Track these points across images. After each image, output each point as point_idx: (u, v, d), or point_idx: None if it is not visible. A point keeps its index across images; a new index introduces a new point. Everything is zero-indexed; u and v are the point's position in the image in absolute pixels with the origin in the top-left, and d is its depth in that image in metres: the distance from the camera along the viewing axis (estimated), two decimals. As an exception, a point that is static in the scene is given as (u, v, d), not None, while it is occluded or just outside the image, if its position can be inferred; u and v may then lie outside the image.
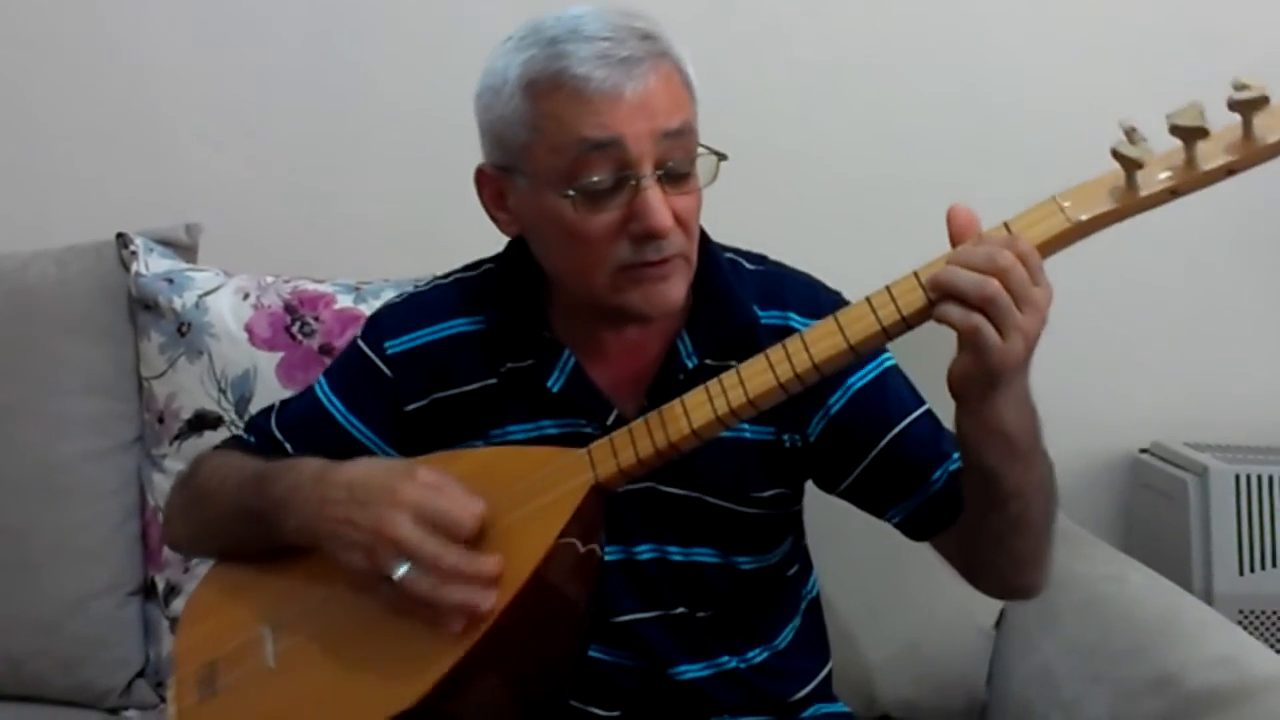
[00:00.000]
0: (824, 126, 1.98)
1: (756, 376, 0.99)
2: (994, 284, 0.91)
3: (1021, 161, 1.99)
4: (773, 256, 1.26)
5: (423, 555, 0.96)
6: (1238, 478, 1.82)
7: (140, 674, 1.63)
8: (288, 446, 1.21)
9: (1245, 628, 1.73)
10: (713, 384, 1.01)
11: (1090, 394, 2.02)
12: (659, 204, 1.04)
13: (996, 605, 1.59)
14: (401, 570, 0.96)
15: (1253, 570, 1.81)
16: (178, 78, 1.99)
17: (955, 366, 0.96)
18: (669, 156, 1.05)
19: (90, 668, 1.60)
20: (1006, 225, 0.96)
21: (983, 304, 0.91)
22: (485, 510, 0.99)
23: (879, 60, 1.98)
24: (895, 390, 1.18)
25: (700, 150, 1.08)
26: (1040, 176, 2.00)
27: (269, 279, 1.68)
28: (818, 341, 0.98)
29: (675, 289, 1.09)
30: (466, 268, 1.26)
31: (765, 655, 1.23)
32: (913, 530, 1.19)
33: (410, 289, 1.29)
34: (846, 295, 1.22)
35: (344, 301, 1.66)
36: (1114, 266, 1.91)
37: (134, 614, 1.63)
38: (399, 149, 1.99)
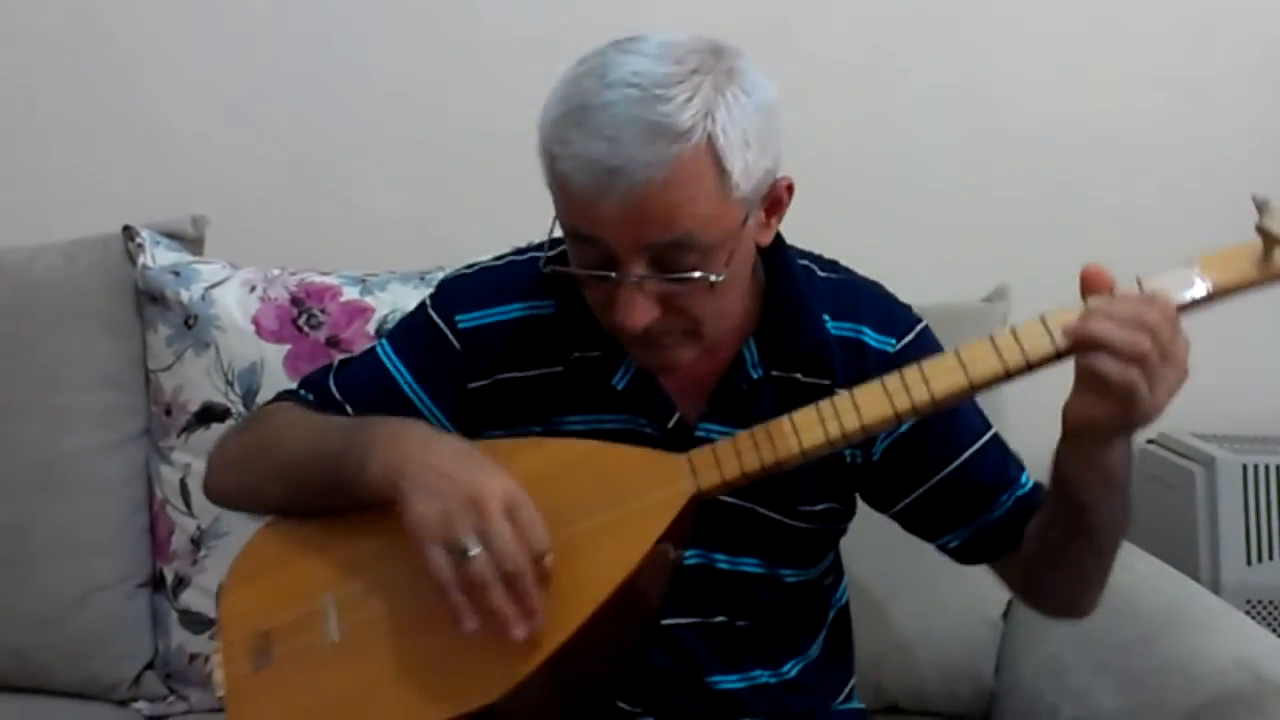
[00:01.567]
0: (827, 124, 1.97)
1: (873, 405, 0.98)
2: (1147, 340, 0.92)
3: (1023, 156, 1.99)
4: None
5: (500, 541, 0.92)
6: (1245, 468, 1.82)
7: (149, 666, 1.63)
8: (348, 409, 1.18)
9: (1253, 618, 1.73)
10: (824, 405, 0.99)
11: (1097, 385, 2.02)
12: (627, 307, 1.00)
13: (1004, 595, 1.59)
14: (474, 549, 0.92)
15: (1260, 560, 1.81)
16: (183, 71, 1.99)
17: (1079, 410, 0.96)
18: (663, 259, 0.99)
19: (98, 660, 1.61)
20: (1139, 283, 0.97)
21: (1136, 360, 0.92)
22: (550, 550, 0.95)
23: (882, 57, 1.98)
24: (965, 412, 1.17)
25: (699, 274, 0.99)
26: (1042, 171, 2.02)
27: (275, 271, 1.68)
28: (939, 377, 0.98)
29: (679, 356, 1.07)
30: (541, 245, 1.20)
31: (799, 667, 1.23)
32: (967, 555, 1.19)
33: (483, 261, 1.24)
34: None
35: (350, 294, 1.66)
36: (1119, 258, 1.90)
37: (142, 606, 1.64)
38: (404, 141, 1.99)
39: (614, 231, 0.98)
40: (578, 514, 0.99)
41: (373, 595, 1.04)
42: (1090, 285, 0.97)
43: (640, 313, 1.00)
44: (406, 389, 1.18)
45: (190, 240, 1.75)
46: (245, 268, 1.69)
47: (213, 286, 1.65)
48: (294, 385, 1.27)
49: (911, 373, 0.98)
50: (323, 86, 1.99)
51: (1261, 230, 0.96)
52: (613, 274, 1.00)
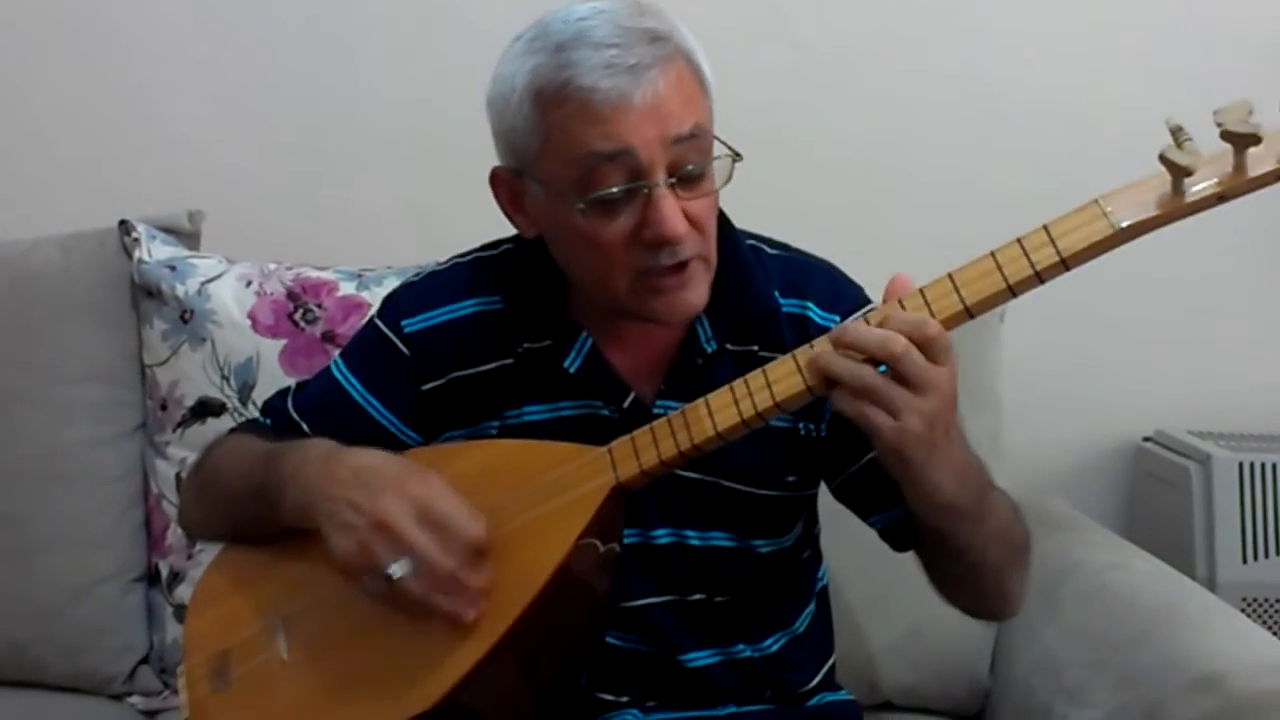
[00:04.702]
0: (825, 111, 1.97)
1: (785, 379, 0.97)
2: (868, 373, 0.91)
3: (1023, 147, 1.98)
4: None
5: (420, 553, 0.95)
6: (1241, 465, 1.82)
7: (144, 660, 1.63)
8: (305, 427, 1.20)
9: (1248, 615, 1.74)
10: (738, 384, 0.99)
11: (1093, 382, 2.02)
12: (671, 211, 1.02)
13: (999, 592, 1.59)
14: (398, 571, 0.95)
15: (1256, 558, 1.81)
16: (180, 65, 1.99)
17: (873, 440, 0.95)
18: (682, 160, 1.03)
19: (93, 654, 1.61)
20: (1046, 229, 0.93)
21: (863, 393, 0.92)
22: (484, 535, 0.98)
23: (880, 45, 1.98)
24: None
25: (718, 151, 1.07)
26: (1041, 161, 2.02)
27: (271, 266, 1.68)
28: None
29: (696, 294, 1.08)
30: (485, 247, 1.25)
31: (783, 641, 1.23)
32: (893, 540, 1.20)
33: (428, 268, 1.27)
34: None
35: (347, 288, 1.65)
36: (1116, 254, 1.90)
37: (138, 601, 1.63)
38: (401, 136, 1.99)
39: (642, 133, 1.01)
40: (506, 514, 1.00)
41: (316, 611, 1.07)
42: (889, 294, 0.97)
43: (678, 217, 1.03)
44: (360, 400, 1.20)
45: (186, 234, 1.75)
46: (241, 262, 1.69)
47: (209, 281, 1.64)
48: (279, 392, 1.29)
49: (821, 344, 0.97)
50: (319, 81, 1.99)
51: (1165, 160, 0.89)
52: (645, 183, 1.02)
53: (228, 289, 1.64)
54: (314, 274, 1.67)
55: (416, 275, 1.26)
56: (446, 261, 1.26)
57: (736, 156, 1.07)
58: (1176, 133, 0.89)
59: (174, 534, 1.63)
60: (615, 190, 1.02)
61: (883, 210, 1.97)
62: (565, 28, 1.03)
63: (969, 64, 1.98)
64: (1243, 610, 1.75)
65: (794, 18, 1.96)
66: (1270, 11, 1.95)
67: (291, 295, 1.64)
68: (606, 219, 1.03)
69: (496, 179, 1.13)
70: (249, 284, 1.65)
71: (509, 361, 1.18)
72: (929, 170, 1.98)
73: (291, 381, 1.31)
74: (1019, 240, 0.93)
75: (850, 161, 1.97)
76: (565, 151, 1.03)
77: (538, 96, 1.03)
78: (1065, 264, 0.92)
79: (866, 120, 1.98)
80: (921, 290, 0.95)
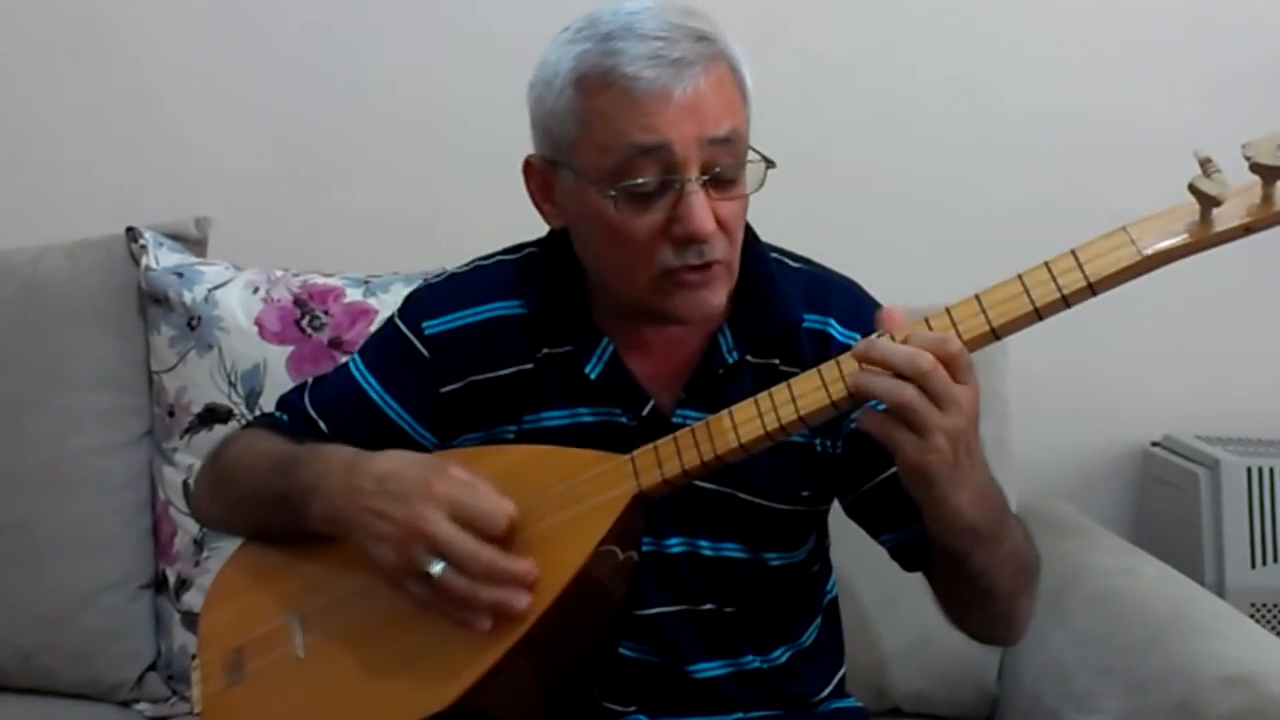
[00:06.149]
0: (827, 118, 1.97)
1: (809, 395, 0.97)
2: (909, 391, 0.91)
3: (1024, 150, 1.99)
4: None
5: (458, 553, 0.96)
6: (1249, 471, 1.81)
7: (152, 667, 1.63)
8: (321, 424, 1.21)
9: (1257, 620, 1.73)
10: (763, 398, 0.99)
11: (1102, 387, 2.02)
12: (701, 208, 1.03)
13: (1007, 598, 1.59)
14: (437, 568, 0.96)
15: (1264, 563, 1.80)
16: (187, 72, 2.00)
17: (895, 459, 0.96)
18: (716, 161, 1.05)
19: (101, 661, 1.61)
20: (1074, 253, 0.93)
21: (898, 410, 0.92)
22: (516, 511, 0.99)
23: (883, 52, 1.98)
24: None
25: (750, 158, 1.08)
26: (1042, 165, 2.02)
27: (278, 273, 1.68)
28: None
29: (716, 296, 1.09)
30: (507, 250, 1.25)
31: (789, 654, 1.23)
32: (903, 560, 1.20)
33: (450, 270, 1.27)
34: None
35: (353, 295, 1.66)
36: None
37: (145, 607, 1.64)
38: (408, 143, 1.99)
39: (679, 128, 1.02)
40: (528, 519, 1.01)
41: (334, 610, 1.07)
42: (885, 321, 0.96)
43: (708, 215, 1.04)
44: (377, 399, 1.20)
45: (193, 242, 1.75)
46: (248, 269, 1.69)
47: (216, 288, 1.65)
48: (296, 387, 1.28)
49: (848, 361, 0.97)
50: (326, 88, 1.99)
51: (1194, 190, 0.90)
52: (678, 178, 1.03)
53: (235, 296, 1.64)
54: (321, 280, 1.68)
55: (438, 276, 1.26)
56: (468, 264, 1.26)
57: (770, 163, 1.07)
58: (1205, 164, 0.89)
59: (181, 540, 1.63)
60: (648, 182, 1.03)
61: (884, 215, 1.97)
62: (614, 19, 1.05)
63: (969, 69, 1.98)
64: (1251, 616, 1.75)
65: (795, 25, 1.96)
66: (1270, 15, 1.95)
67: (298, 302, 1.65)
68: (637, 211, 1.04)
69: (529, 168, 1.14)
70: (256, 290, 1.65)
71: (528, 366, 1.18)
72: (930, 175, 1.98)
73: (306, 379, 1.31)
74: (1046, 264, 0.94)
75: (851, 167, 1.97)
76: (602, 138, 1.04)
77: (580, 82, 1.04)
78: (1092, 289, 0.93)
79: (867, 126, 1.98)
80: (949, 309, 0.95)
